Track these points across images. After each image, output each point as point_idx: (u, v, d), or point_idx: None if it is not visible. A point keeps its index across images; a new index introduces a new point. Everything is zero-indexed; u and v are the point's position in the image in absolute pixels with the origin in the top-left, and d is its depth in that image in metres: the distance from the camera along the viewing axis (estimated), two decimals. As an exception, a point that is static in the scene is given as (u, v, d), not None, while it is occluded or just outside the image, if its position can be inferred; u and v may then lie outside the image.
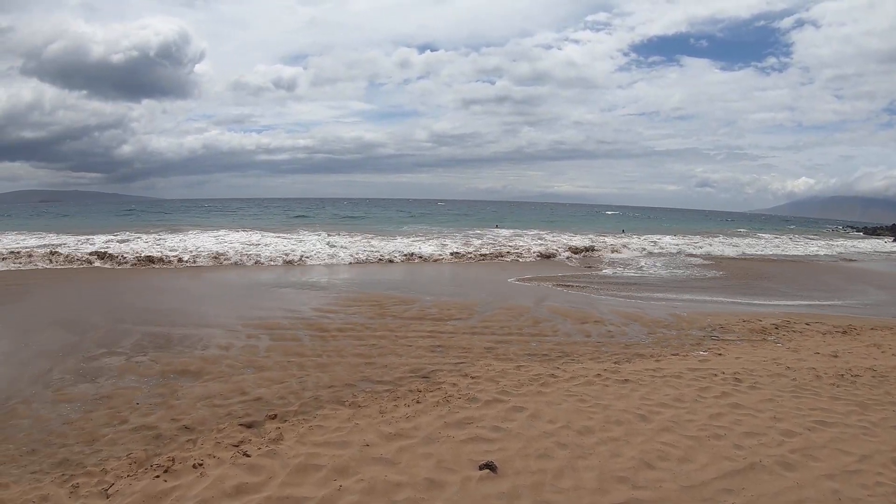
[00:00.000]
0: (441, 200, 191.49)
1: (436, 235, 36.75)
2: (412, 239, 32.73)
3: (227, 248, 24.37)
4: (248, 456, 5.59)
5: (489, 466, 5.38)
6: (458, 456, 5.63)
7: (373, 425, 6.37)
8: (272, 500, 4.79)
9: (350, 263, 23.52)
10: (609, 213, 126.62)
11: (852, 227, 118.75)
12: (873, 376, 9.19)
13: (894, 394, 8.35)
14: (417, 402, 7.22)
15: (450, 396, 7.38)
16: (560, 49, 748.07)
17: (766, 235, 61.02)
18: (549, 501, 4.92)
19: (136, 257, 21.63)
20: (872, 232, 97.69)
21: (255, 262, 22.48)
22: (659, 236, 44.32)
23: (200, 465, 5.43)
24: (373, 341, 10.47)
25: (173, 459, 5.57)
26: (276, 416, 6.82)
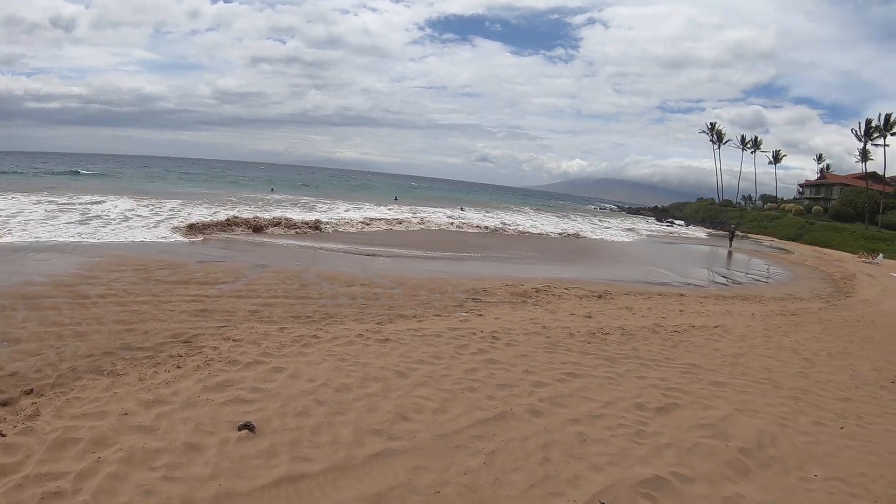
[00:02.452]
0: (193, 160, 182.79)
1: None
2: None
3: None
4: (4, 436, 5.14)
5: (247, 427, 5.41)
6: (216, 418, 5.61)
7: (131, 393, 6.14)
8: (30, 479, 4.47)
9: None
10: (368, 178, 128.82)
11: (620, 207, 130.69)
12: (622, 334, 10.32)
13: (640, 349, 9.44)
14: (178, 367, 7.05)
15: (210, 360, 7.28)
16: (357, 15, 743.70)
17: (543, 211, 65.24)
18: (306, 456, 5.05)
19: None
20: (636, 212, 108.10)
21: None
22: (432, 208, 45.75)
23: (-48, 452, 4.93)
24: (135, 307, 9.94)
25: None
26: (32, 390, 6.30)
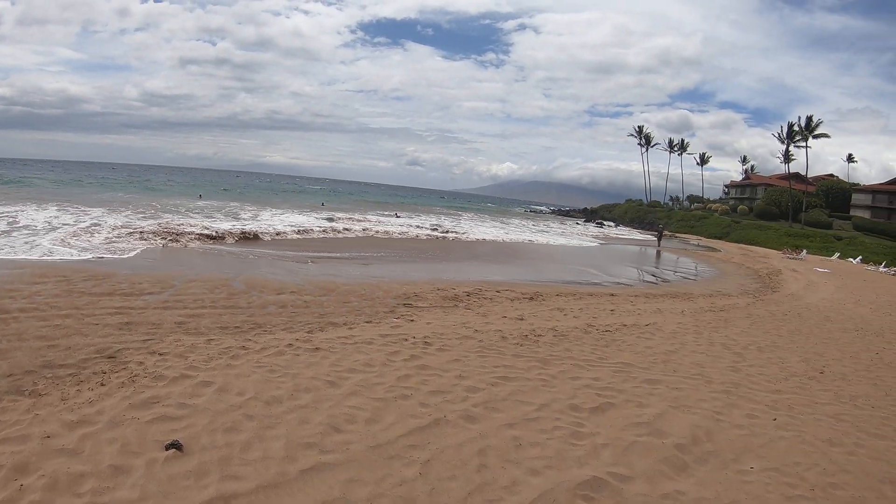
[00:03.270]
0: (114, 165, 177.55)
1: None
2: None
3: None
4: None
5: (175, 446, 5.24)
6: (143, 438, 5.40)
7: (54, 414, 5.86)
8: (-51, 514, 4.23)
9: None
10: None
11: (550, 209, 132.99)
12: (555, 335, 10.42)
13: (573, 350, 9.53)
14: (102, 384, 6.75)
15: (136, 376, 7.01)
16: (288, 17, 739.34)
17: (473, 215, 65.64)
18: (236, 475, 4.90)
19: None
20: (567, 214, 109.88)
21: None
22: (362, 214, 45.56)
23: None
24: (57, 321, 9.45)
25: None
26: (-52, 416, 5.97)
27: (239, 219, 33.12)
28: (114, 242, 19.79)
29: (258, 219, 34.04)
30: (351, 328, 10.15)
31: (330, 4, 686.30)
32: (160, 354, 7.96)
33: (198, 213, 34.90)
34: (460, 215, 65.87)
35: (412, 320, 11.09)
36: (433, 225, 42.43)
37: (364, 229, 33.74)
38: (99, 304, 10.77)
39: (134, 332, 9.15)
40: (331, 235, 29.60)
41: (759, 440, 6.40)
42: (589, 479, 5.15)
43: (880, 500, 5.36)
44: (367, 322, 10.75)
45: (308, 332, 9.65)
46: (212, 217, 32.60)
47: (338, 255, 21.93)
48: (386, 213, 52.33)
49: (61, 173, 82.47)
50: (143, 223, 25.61)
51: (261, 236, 25.76)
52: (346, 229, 32.63)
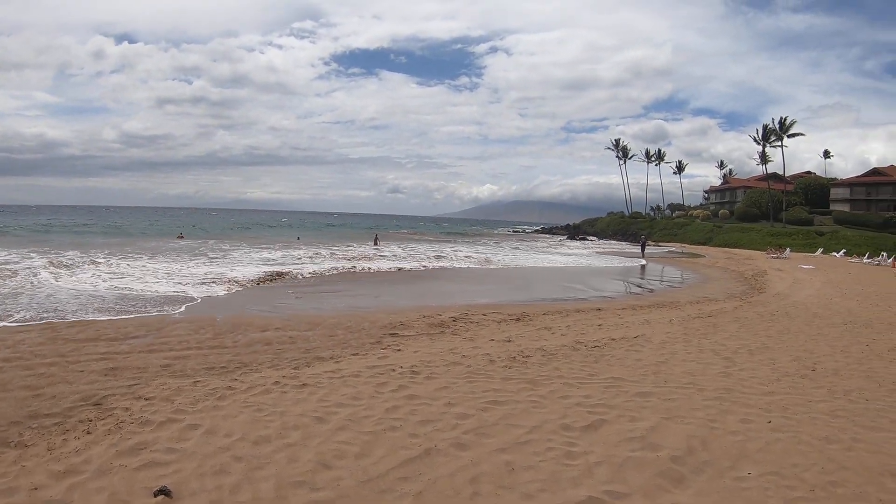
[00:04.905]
0: (105, 207, 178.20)
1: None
2: None
3: None
4: None
5: (164, 492, 5.12)
6: (131, 485, 5.29)
7: (41, 465, 5.77)
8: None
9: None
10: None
11: (533, 228, 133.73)
12: (543, 355, 10.34)
13: (562, 369, 9.44)
14: (88, 432, 6.65)
15: (122, 422, 6.90)
16: (262, 53, 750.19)
17: (451, 238, 65.60)
18: None
19: None
20: (549, 231, 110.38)
21: None
22: (340, 247, 45.46)
23: None
24: (42, 369, 9.36)
25: None
26: (-67, 472, 5.85)
27: (221, 257, 32.69)
28: (97, 285, 19.58)
29: (239, 256, 33.94)
30: (338, 362, 10.05)
31: (303, 38, 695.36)
32: (146, 399, 7.85)
33: (179, 253, 34.90)
34: (443, 242, 65.93)
35: (399, 350, 11.00)
36: (411, 255, 42.21)
37: (341, 266, 33.45)
38: (83, 350, 10.70)
39: (119, 378, 9.05)
40: (306, 272, 29.11)
41: (755, 444, 6.32)
42: (584, 499, 5.04)
43: (882, 493, 5.29)
44: (353, 355, 10.65)
45: (294, 369, 9.54)
46: (193, 256, 32.76)
47: (322, 290, 21.78)
48: (366, 244, 52.20)
49: (37, 216, 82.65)
50: (128, 266, 25.43)
51: (243, 274, 25.50)
52: (335, 268, 32.26)
